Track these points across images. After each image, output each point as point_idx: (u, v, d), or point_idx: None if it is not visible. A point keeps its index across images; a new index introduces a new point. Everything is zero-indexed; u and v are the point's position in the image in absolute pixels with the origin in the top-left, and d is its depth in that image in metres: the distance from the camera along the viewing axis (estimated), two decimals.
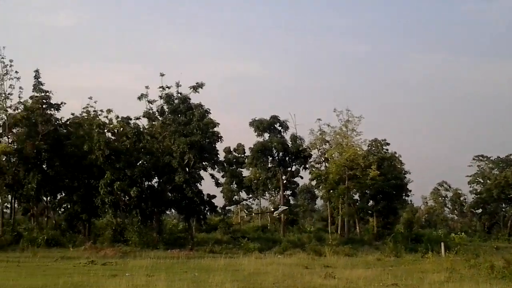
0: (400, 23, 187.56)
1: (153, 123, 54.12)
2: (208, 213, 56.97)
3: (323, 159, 66.57)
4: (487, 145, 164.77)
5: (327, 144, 65.48)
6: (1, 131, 51.41)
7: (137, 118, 52.91)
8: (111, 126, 52.43)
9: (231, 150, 71.84)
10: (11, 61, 50.01)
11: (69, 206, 54.12)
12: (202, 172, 54.08)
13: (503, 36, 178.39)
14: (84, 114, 54.35)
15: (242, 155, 71.42)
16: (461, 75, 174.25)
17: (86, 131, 51.92)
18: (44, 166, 51.83)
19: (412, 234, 64.06)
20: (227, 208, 75.33)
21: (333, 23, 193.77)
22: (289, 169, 66.00)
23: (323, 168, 66.76)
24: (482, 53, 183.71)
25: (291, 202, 77.03)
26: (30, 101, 51.15)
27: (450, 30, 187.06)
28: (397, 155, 77.28)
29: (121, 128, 52.11)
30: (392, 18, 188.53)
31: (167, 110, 53.09)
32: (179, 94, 52.85)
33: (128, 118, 52.72)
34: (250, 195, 76.18)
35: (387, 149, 76.39)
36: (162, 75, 52.77)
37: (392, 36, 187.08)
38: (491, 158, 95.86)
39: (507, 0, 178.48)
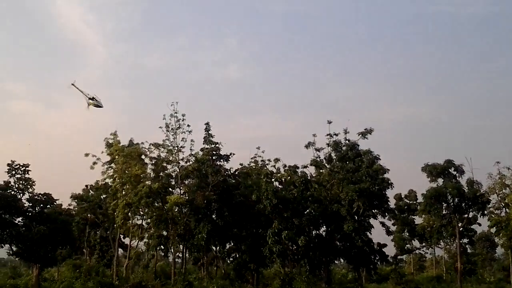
0: None
1: (321, 171, 53.38)
2: (379, 263, 54.71)
3: (503, 205, 61.57)
4: None
5: (507, 188, 60.58)
6: (173, 182, 53.07)
7: (305, 167, 52.50)
8: (278, 175, 52.42)
9: (402, 196, 69.05)
10: (183, 115, 51.90)
11: (237, 256, 54.38)
12: (371, 220, 52.35)
13: None
14: (252, 164, 54.93)
15: (414, 202, 68.47)
16: None
17: (254, 181, 52.14)
18: (213, 216, 52.49)
19: None
20: (398, 257, 71.87)
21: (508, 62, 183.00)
22: (466, 215, 61.67)
23: (503, 214, 61.74)
24: None
25: (468, 250, 72.32)
26: (200, 153, 52.49)
27: None
28: None
29: (289, 177, 51.82)
30: None
31: (334, 157, 52.15)
32: (347, 141, 51.92)
33: (296, 167, 52.41)
34: (423, 244, 72.31)
35: None
36: (329, 122, 52.48)
37: None
38: None
39: None
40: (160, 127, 51.78)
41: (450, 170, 59.35)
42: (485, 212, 61.02)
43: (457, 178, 59.56)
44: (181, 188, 53.10)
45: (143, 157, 52.73)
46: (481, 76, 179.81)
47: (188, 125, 51.90)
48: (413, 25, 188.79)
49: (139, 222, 55.44)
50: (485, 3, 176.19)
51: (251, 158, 55.20)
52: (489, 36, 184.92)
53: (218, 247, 56.26)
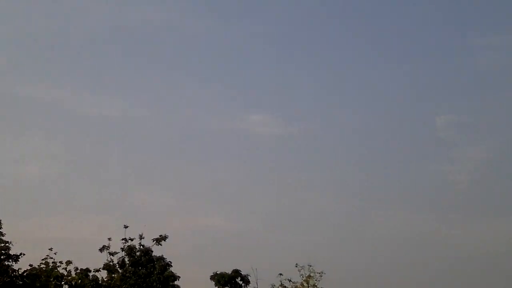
0: (368, 181, 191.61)
1: (113, 275, 53.10)
2: None
3: None
4: None
5: None
6: None
7: (97, 270, 51.83)
8: (69, 278, 51.33)
9: None
10: None
11: None
12: None
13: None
14: (43, 266, 53.27)
15: None
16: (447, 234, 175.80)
17: (43, 283, 50.49)
18: None
19: None
20: None
21: (299, 177, 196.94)
22: None
23: None
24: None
25: None
26: None
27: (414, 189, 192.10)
28: None
29: (79, 280, 50.95)
30: (361, 174, 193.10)
31: (128, 262, 52.66)
32: (141, 246, 52.83)
33: (87, 270, 51.75)
34: None
35: None
36: (126, 227, 53.19)
37: (361, 193, 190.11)
38: None
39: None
40: None
41: (237, 279, 62.40)
42: None
43: None
44: None
45: None
46: (270, 191, 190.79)
47: None
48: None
49: None
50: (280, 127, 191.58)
51: (42, 260, 53.40)
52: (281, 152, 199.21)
53: None
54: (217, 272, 62.30)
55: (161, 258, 52.57)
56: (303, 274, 62.70)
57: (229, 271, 62.69)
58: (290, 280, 64.29)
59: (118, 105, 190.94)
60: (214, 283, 62.19)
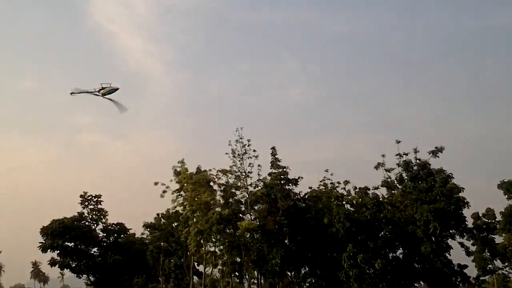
0: None
1: (393, 191, 52.16)
2: (461, 284, 52.59)
3: None
4: None
5: None
6: (243, 208, 53.00)
7: (376, 188, 51.63)
8: (349, 197, 51.50)
9: (480, 215, 65.75)
10: (249, 140, 52.51)
11: (313, 281, 53.23)
12: (450, 241, 50.54)
13: None
14: (322, 187, 53.97)
15: (493, 221, 64.91)
16: None
17: (324, 204, 51.35)
18: (286, 241, 51.95)
19: None
20: (481, 278, 68.60)
21: None
22: None
23: None
24: None
25: None
26: (268, 178, 52.41)
27: None
28: None
29: (360, 199, 50.88)
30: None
31: (406, 177, 51.11)
32: (417, 160, 50.88)
33: (366, 188, 51.56)
34: (506, 263, 68.92)
35: None
36: (398, 142, 51.77)
37: None
38: None
39: None
40: (226, 153, 52.75)
41: None
42: None
43: None
44: (251, 213, 52.99)
45: (211, 183, 53.21)
46: None
47: (254, 150, 52.71)
48: (473, 37, 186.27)
49: (212, 249, 55.46)
50: None
51: (320, 181, 54.24)
52: None
53: (293, 272, 55.30)
54: (505, 180, 57.76)
55: (440, 171, 49.79)
56: None
57: None
58: None
59: None
60: (502, 191, 57.95)
